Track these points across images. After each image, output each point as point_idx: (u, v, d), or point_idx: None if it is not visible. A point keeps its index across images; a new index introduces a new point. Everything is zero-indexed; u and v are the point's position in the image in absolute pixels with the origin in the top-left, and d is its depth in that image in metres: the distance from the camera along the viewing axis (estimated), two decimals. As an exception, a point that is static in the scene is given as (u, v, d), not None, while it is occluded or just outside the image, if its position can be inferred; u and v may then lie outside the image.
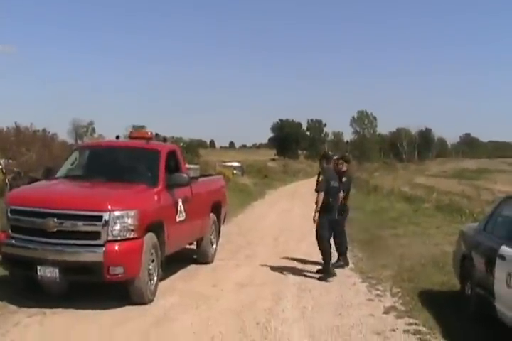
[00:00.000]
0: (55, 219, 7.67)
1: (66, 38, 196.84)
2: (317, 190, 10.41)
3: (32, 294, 8.16)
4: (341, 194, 11.02)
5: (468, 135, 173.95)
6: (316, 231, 10.61)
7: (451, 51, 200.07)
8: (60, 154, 18.04)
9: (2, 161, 19.01)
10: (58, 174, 9.53)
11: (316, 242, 10.72)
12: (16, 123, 22.19)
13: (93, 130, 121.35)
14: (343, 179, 11.17)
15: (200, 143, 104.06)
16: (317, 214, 10.31)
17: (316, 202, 10.39)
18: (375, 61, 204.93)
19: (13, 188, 13.17)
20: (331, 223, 10.64)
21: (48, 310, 7.60)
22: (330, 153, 12.29)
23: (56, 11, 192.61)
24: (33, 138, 21.62)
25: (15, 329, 6.97)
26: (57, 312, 7.57)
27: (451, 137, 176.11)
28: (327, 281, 10.12)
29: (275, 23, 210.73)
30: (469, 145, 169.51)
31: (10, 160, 19.31)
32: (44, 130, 23.85)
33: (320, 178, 10.49)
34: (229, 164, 49.23)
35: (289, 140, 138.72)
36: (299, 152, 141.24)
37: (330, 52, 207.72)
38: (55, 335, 6.84)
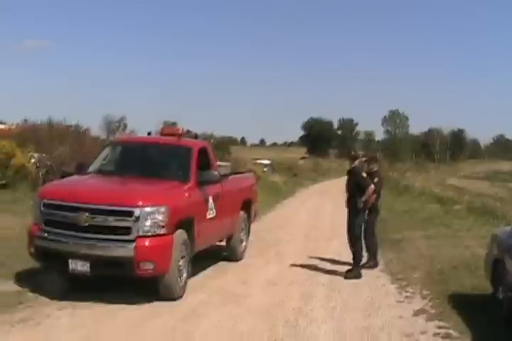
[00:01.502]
0: (87, 214, 7.75)
1: (98, 35, 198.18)
2: (366, 186, 10.37)
3: (63, 287, 8.25)
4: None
5: (502, 136, 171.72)
6: (349, 230, 10.58)
7: (485, 52, 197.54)
8: (92, 149, 18.21)
9: (36, 155, 19.23)
10: (91, 169, 9.62)
11: (348, 242, 10.68)
12: (49, 117, 22.46)
13: (125, 125, 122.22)
14: (375, 179, 11.11)
15: (231, 140, 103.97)
16: (362, 204, 10.35)
17: (360, 197, 10.36)
18: (409, 61, 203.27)
19: (46, 182, 13.32)
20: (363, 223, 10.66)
21: (78, 304, 7.68)
22: (359, 152, 12.23)
23: (91, 7, 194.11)
24: (66, 133, 21.87)
25: (46, 322, 7.06)
26: (87, 306, 7.64)
27: (485, 138, 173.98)
28: (350, 279, 10.12)
29: (308, 23, 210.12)
30: (503, 147, 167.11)
31: (43, 155, 19.51)
32: (77, 125, 24.14)
33: (364, 174, 10.56)
34: (259, 161, 49.21)
35: (319, 138, 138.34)
36: (330, 151, 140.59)
37: (363, 50, 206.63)
38: (85, 328, 6.89)
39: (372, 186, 10.39)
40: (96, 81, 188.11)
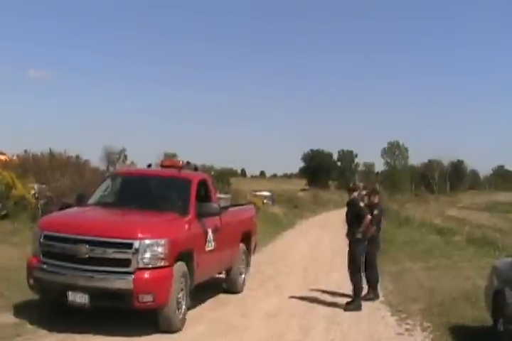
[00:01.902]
0: (87, 246, 7.75)
1: (97, 65, 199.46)
2: (363, 215, 10.39)
3: (62, 319, 8.23)
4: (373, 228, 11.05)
5: (501, 167, 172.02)
6: (351, 262, 10.58)
7: (483, 82, 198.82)
8: (92, 180, 18.26)
9: (36, 186, 19.26)
10: (90, 201, 9.65)
11: (349, 274, 10.66)
12: (50, 149, 22.56)
13: (125, 157, 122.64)
14: (375, 211, 11.15)
15: (231, 172, 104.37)
16: (360, 235, 10.37)
17: (358, 228, 10.38)
18: (408, 91, 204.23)
19: (46, 213, 13.33)
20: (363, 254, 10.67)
21: (77, 336, 7.64)
22: (358, 184, 12.29)
23: (90, 38, 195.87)
24: (67, 164, 21.92)
25: (44, 354, 7.02)
26: (86, 338, 7.60)
27: (484, 169, 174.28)
28: (350, 311, 10.08)
29: (313, 52, 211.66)
30: (502, 178, 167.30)
31: (43, 186, 19.54)
32: (77, 156, 24.23)
33: (361, 204, 10.54)
34: (259, 193, 49.20)
35: (319, 170, 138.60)
36: (330, 182, 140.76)
37: (362, 82, 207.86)
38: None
39: (369, 216, 10.41)
40: (97, 112, 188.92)
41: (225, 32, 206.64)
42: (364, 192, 11.76)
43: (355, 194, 10.81)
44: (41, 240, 8.14)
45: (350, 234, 10.52)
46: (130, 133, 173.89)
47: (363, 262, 10.86)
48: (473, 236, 24.57)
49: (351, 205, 10.71)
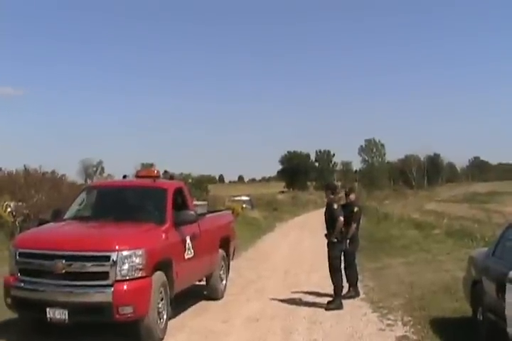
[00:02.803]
0: (64, 261, 7.71)
1: (70, 78, 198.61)
2: (336, 217, 10.45)
3: (41, 336, 8.19)
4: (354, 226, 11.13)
5: (477, 158, 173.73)
6: (329, 262, 10.65)
7: (456, 74, 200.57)
8: (69, 195, 18.15)
9: (12, 204, 19.14)
10: (66, 215, 9.61)
11: (329, 274, 10.73)
12: (25, 165, 22.40)
13: (102, 169, 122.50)
14: (355, 209, 11.26)
15: (209, 179, 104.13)
16: (335, 239, 10.43)
17: (329, 232, 10.45)
18: (381, 88, 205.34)
19: (23, 230, 13.26)
20: (341, 253, 10.75)
21: (57, 353, 7.61)
22: (335, 183, 12.41)
23: (61, 53, 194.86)
24: (42, 180, 21.75)
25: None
26: (67, 354, 7.58)
27: (461, 161, 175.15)
28: (332, 310, 10.15)
29: (281, 51, 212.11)
30: (479, 169, 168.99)
31: (20, 203, 19.43)
32: (53, 171, 24.04)
33: (335, 206, 10.57)
34: (238, 198, 49.08)
35: (297, 172, 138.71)
36: (308, 183, 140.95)
37: (335, 81, 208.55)
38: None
39: (342, 218, 10.46)
40: (72, 126, 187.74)
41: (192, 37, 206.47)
42: (341, 192, 11.85)
43: (331, 195, 10.84)
44: (17, 258, 8.08)
45: (328, 236, 10.60)
46: (107, 146, 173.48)
47: (342, 260, 10.94)
48: (451, 228, 24.79)
49: (327, 207, 10.79)
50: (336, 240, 10.49)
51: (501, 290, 6.95)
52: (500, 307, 6.97)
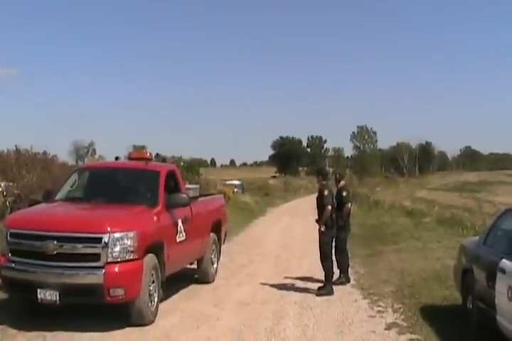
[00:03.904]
0: (55, 242, 7.67)
1: (64, 60, 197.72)
2: (324, 204, 10.44)
3: (31, 317, 8.16)
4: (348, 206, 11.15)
5: (468, 147, 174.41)
6: (320, 248, 10.65)
7: (448, 63, 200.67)
8: (60, 176, 18.02)
9: (2, 184, 19.03)
10: (58, 196, 9.54)
11: (320, 260, 10.73)
12: (16, 145, 22.23)
13: (94, 151, 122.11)
14: (344, 193, 11.26)
15: (201, 162, 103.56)
16: (323, 227, 10.40)
17: (320, 217, 10.45)
18: (375, 75, 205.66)
19: (14, 211, 13.19)
20: (332, 239, 10.74)
21: (47, 333, 7.58)
22: (326, 168, 12.39)
23: (55, 32, 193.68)
24: (34, 161, 21.58)
25: (15, 354, 6.96)
26: (56, 336, 7.54)
27: (452, 150, 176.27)
28: (322, 296, 10.16)
29: (274, 36, 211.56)
30: (470, 158, 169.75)
31: (10, 183, 19.31)
32: (44, 152, 23.88)
33: (326, 192, 10.54)
34: (229, 182, 49.16)
35: (289, 157, 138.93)
36: (300, 169, 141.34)
37: (328, 67, 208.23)
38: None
39: (329, 207, 10.44)
40: (64, 107, 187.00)
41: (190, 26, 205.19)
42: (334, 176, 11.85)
43: (323, 181, 10.82)
44: (8, 238, 8.04)
45: (319, 223, 10.59)
46: (99, 127, 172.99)
47: (333, 247, 10.94)
48: (442, 216, 24.89)
49: (319, 192, 10.77)
50: (323, 229, 10.48)
51: (492, 278, 6.96)
52: (490, 296, 6.98)
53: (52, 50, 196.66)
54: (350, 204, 11.39)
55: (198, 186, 14.28)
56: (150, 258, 8.24)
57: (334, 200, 10.71)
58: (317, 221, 10.67)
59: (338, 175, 11.97)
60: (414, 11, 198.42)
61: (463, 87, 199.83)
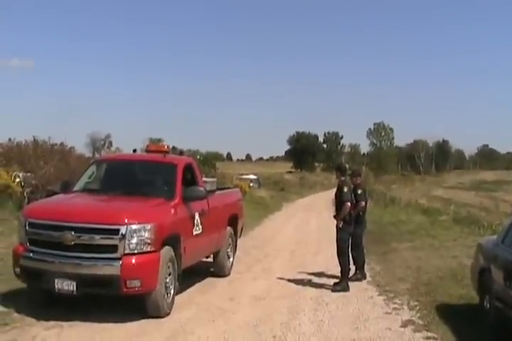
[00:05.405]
0: (73, 233, 7.70)
1: (82, 52, 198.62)
2: (344, 200, 10.40)
3: (49, 307, 8.20)
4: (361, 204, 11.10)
5: (486, 146, 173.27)
6: (337, 245, 10.63)
7: (467, 61, 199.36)
8: (77, 167, 18.14)
9: (21, 174, 19.14)
10: (76, 187, 9.58)
11: (337, 256, 10.71)
12: (34, 136, 22.35)
13: (110, 143, 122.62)
14: (359, 191, 11.18)
15: (217, 156, 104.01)
16: (341, 223, 10.39)
17: (338, 214, 10.42)
18: (393, 72, 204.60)
19: (31, 201, 13.26)
20: (350, 236, 10.72)
21: (64, 323, 7.62)
22: (345, 164, 12.30)
23: (73, 25, 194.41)
24: (51, 152, 21.72)
25: (33, 343, 6.99)
26: (73, 326, 7.59)
27: (469, 149, 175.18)
28: (338, 292, 10.15)
29: (294, 31, 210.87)
30: (487, 157, 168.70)
31: (28, 174, 19.42)
32: (62, 143, 24.00)
33: (345, 189, 10.50)
34: (246, 177, 49.11)
35: (305, 152, 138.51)
36: (316, 164, 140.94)
37: (346, 63, 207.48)
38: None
39: (348, 204, 10.39)
40: (81, 99, 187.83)
41: (209, 17, 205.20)
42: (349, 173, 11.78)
43: (342, 177, 10.77)
44: (27, 228, 8.08)
45: (336, 219, 10.55)
46: (116, 120, 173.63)
47: (350, 243, 10.91)
48: (458, 215, 24.77)
49: (337, 188, 10.72)
50: (341, 226, 10.45)
51: (510, 278, 6.93)
52: (508, 296, 6.95)
53: (69, 42, 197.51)
54: (363, 202, 11.29)
55: (215, 179, 14.25)
56: (167, 251, 8.25)
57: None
58: (335, 217, 10.64)
59: (353, 172, 11.90)
60: (437, 7, 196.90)
61: (482, 85, 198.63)
